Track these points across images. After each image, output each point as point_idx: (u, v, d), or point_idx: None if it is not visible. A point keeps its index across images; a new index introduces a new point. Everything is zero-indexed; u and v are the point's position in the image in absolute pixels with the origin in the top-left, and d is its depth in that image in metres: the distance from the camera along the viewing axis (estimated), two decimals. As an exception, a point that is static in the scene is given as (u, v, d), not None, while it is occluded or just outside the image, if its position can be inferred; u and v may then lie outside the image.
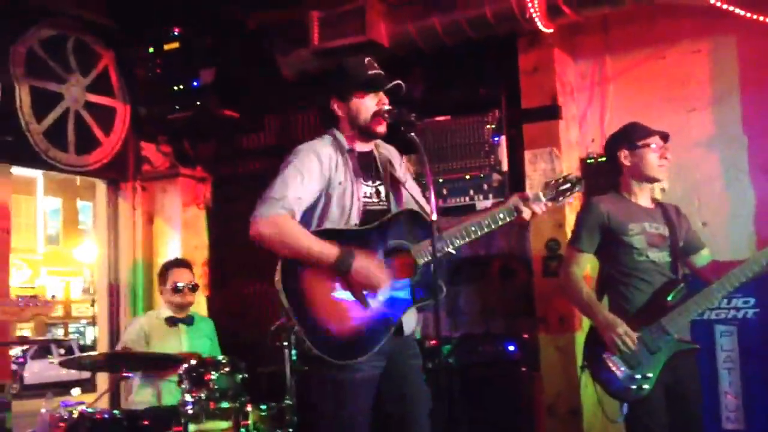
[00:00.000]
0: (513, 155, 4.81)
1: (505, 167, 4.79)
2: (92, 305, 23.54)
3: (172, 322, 4.64)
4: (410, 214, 2.89)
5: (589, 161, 4.77)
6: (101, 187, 6.01)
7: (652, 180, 3.53)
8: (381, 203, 2.91)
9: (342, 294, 2.68)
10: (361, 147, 2.97)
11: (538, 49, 4.68)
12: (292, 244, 2.67)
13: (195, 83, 5.60)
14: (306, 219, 2.81)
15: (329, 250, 2.66)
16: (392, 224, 2.83)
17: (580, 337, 4.44)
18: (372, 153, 3.00)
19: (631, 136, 3.51)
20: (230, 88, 5.61)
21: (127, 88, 5.87)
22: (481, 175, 4.81)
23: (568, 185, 3.03)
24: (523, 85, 4.74)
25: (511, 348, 4.54)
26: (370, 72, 2.89)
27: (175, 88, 5.63)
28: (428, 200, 2.70)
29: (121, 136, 5.82)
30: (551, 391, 4.51)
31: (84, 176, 6.13)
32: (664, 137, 3.52)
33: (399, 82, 2.89)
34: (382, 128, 2.91)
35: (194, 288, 4.73)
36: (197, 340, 4.66)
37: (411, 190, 3.03)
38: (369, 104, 2.89)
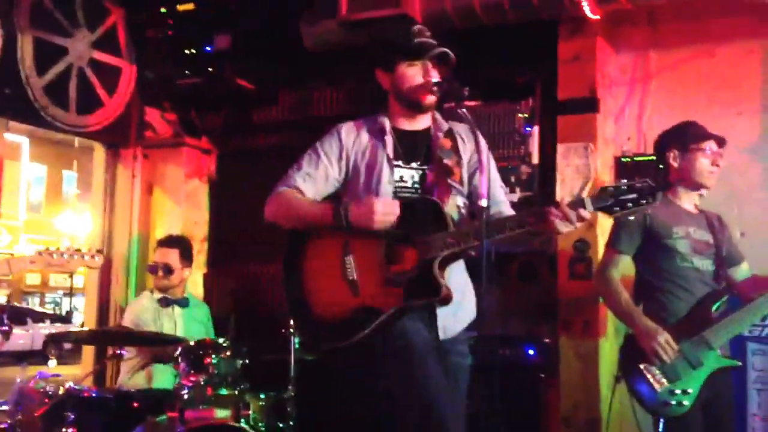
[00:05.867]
0: (544, 147, 4.56)
1: (535, 159, 4.55)
2: (70, 276, 23.19)
3: (165, 302, 4.40)
4: (430, 205, 2.60)
5: (624, 160, 4.53)
6: (100, 151, 5.74)
7: (699, 186, 3.34)
8: (419, 191, 2.69)
9: (336, 281, 2.59)
10: (410, 125, 2.77)
11: (580, 36, 4.42)
12: (291, 212, 2.71)
13: (208, 48, 5.32)
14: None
15: (326, 208, 2.64)
16: (407, 211, 2.55)
17: (604, 344, 4.23)
18: (425, 133, 2.77)
19: (684, 136, 3.32)
20: (246, 57, 5.30)
21: (135, 49, 5.53)
22: (509, 167, 4.55)
23: (633, 195, 2.36)
24: (561, 74, 4.48)
25: (531, 352, 4.30)
26: (416, 40, 2.69)
27: (187, 51, 5.35)
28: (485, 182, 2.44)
29: (125, 98, 5.51)
30: (569, 400, 4.28)
31: (82, 137, 5.88)
32: (720, 142, 3.32)
33: (445, 50, 2.67)
34: (429, 99, 2.69)
35: (167, 270, 4.38)
36: (192, 324, 4.42)
37: (479, 179, 2.56)
38: (412, 73, 2.69)
